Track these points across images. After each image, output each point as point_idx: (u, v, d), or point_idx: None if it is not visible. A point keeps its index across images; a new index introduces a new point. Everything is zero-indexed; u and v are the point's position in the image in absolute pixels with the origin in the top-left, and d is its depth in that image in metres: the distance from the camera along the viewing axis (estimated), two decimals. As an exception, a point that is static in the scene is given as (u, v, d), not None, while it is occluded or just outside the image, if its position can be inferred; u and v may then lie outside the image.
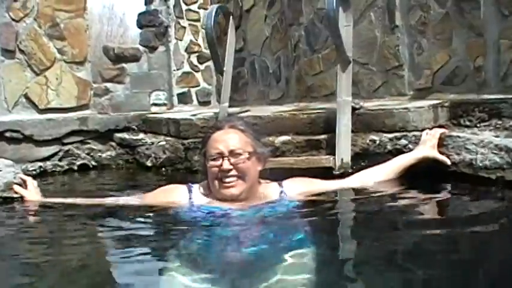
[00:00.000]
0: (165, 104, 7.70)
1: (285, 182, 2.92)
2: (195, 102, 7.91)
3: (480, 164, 3.01)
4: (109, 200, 3.20)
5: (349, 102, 3.62)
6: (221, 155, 2.71)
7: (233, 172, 2.71)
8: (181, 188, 2.90)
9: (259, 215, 2.65)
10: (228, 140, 2.74)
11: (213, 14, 4.26)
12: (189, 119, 4.42)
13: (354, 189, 3.13)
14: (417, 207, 2.92)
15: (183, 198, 2.83)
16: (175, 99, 7.75)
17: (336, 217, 2.87)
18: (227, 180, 2.71)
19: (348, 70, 3.67)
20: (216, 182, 2.73)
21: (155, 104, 7.61)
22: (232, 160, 2.70)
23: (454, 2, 4.20)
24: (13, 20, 5.45)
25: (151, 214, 2.92)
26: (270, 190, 2.88)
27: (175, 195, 2.87)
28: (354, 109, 3.65)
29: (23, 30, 5.48)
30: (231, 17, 4.43)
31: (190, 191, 2.86)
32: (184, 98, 7.81)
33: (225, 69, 4.31)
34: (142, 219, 2.86)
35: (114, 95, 7.07)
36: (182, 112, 5.47)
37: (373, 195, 3.03)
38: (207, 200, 2.79)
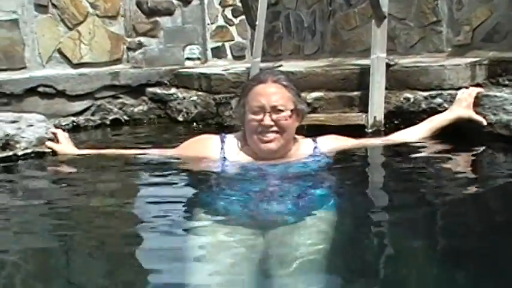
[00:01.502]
0: (199, 59, 7.62)
1: (319, 139, 2.88)
2: (229, 56, 7.81)
3: (517, 126, 2.92)
4: (142, 152, 3.20)
5: (384, 58, 3.53)
6: (263, 110, 2.65)
7: (273, 128, 2.66)
8: (214, 139, 2.86)
9: (291, 171, 2.63)
10: (271, 95, 2.67)
11: (245, -33, 4.15)
12: (220, 74, 4.37)
13: (387, 147, 3.07)
14: (450, 168, 2.87)
15: (215, 150, 2.80)
16: (209, 53, 7.66)
17: (367, 177, 2.85)
18: (267, 135, 2.67)
19: (382, 26, 3.57)
20: (255, 136, 2.69)
21: (189, 59, 7.53)
22: (274, 116, 2.65)
23: (497, -45, 4.04)
24: (45, -26, 5.40)
25: (183, 167, 2.92)
26: (304, 146, 2.83)
27: (207, 147, 2.84)
28: (388, 66, 3.56)
29: (55, -15, 5.44)
30: (264, -30, 4.31)
31: (223, 141, 2.82)
32: (218, 53, 7.72)
33: (257, 23, 4.22)
34: (173, 173, 2.86)
35: (147, 49, 7.02)
36: (214, 67, 5.40)
37: (406, 154, 2.98)
38: (239, 153, 2.77)
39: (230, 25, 7.78)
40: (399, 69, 3.58)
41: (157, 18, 7.27)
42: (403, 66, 3.59)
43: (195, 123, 4.51)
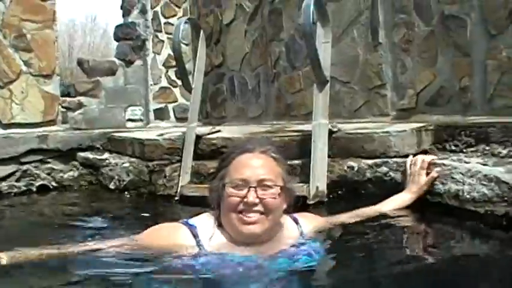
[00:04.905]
0: (141, 120, 7.45)
1: (300, 219, 2.47)
2: (172, 118, 7.66)
3: (467, 196, 2.73)
4: (90, 246, 2.37)
5: (326, 125, 3.35)
6: (247, 184, 2.21)
7: (258, 207, 2.20)
8: (182, 230, 2.27)
9: (293, 266, 2.17)
10: (259, 167, 2.24)
11: (181, 27, 3.96)
12: (154, 140, 4.09)
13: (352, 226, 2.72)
14: (399, 243, 2.63)
15: (188, 243, 2.23)
16: (151, 114, 7.50)
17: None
18: (249, 215, 2.20)
19: (324, 90, 3.40)
20: (234, 216, 2.21)
21: (131, 120, 7.35)
22: (260, 193, 2.20)
23: (439, 20, 4.07)
24: (-24, 30, 5.16)
25: (152, 266, 2.19)
26: (288, 228, 2.40)
27: (176, 235, 2.26)
28: (330, 132, 3.38)
29: (-14, 41, 5.19)
30: (201, 31, 4.14)
31: (195, 235, 2.25)
32: (161, 114, 7.57)
33: (193, 86, 4.01)
34: (143, 274, 2.14)
35: (88, 109, 6.80)
36: (149, 131, 5.17)
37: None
38: (219, 241, 2.25)
39: (174, 86, 7.62)
40: (342, 136, 3.40)
41: (99, 78, 7.08)
42: (346, 132, 3.41)
43: (126, 192, 4.18)
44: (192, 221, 2.32)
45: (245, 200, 2.19)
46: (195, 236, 2.24)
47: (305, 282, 2.07)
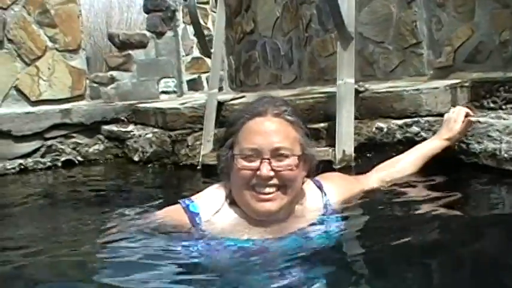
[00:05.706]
0: (174, 92, 7.38)
1: (325, 185, 2.20)
2: (206, 88, 7.55)
3: (505, 155, 2.54)
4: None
5: (352, 84, 3.16)
6: (259, 155, 1.94)
7: (274, 181, 1.95)
8: (180, 215, 2.04)
9: (305, 247, 1.92)
10: (272, 133, 1.96)
11: (197, -12, 3.81)
12: (176, 109, 3.99)
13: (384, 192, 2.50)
14: (431, 207, 2.42)
15: (185, 229, 2.01)
16: (185, 86, 7.43)
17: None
18: (264, 190, 1.95)
19: (349, 47, 3.21)
20: (246, 192, 1.97)
21: (165, 92, 7.29)
22: (275, 164, 1.94)
23: (477, -30, 3.76)
24: (0, 7, 5.11)
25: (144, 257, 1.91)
26: (310, 198, 2.14)
27: (174, 227, 2.03)
28: (357, 92, 3.18)
29: (11, 19, 5.18)
30: (220, -6, 3.98)
31: (194, 222, 2.00)
32: (194, 85, 7.50)
33: (212, 51, 3.85)
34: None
35: (120, 83, 6.75)
36: (173, 101, 5.07)
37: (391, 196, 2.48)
38: (227, 223, 2.01)
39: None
40: (370, 96, 3.21)
41: (130, 51, 7.02)
42: (374, 92, 3.22)
43: (150, 164, 4.10)
44: (195, 202, 2.07)
45: (258, 173, 1.94)
46: (195, 223, 2.01)
47: (317, 267, 1.82)
